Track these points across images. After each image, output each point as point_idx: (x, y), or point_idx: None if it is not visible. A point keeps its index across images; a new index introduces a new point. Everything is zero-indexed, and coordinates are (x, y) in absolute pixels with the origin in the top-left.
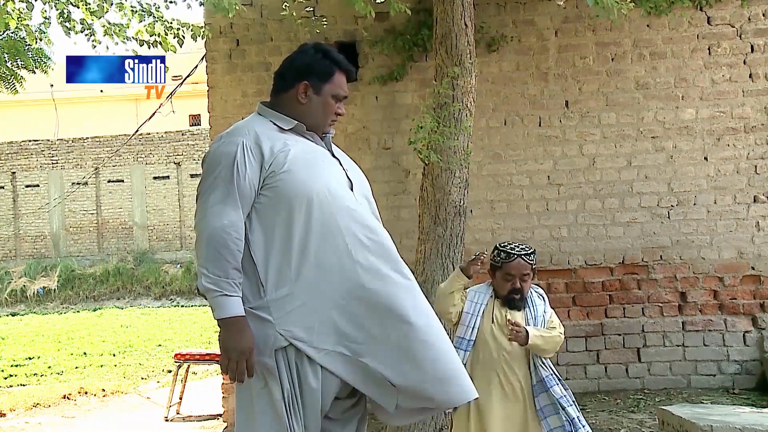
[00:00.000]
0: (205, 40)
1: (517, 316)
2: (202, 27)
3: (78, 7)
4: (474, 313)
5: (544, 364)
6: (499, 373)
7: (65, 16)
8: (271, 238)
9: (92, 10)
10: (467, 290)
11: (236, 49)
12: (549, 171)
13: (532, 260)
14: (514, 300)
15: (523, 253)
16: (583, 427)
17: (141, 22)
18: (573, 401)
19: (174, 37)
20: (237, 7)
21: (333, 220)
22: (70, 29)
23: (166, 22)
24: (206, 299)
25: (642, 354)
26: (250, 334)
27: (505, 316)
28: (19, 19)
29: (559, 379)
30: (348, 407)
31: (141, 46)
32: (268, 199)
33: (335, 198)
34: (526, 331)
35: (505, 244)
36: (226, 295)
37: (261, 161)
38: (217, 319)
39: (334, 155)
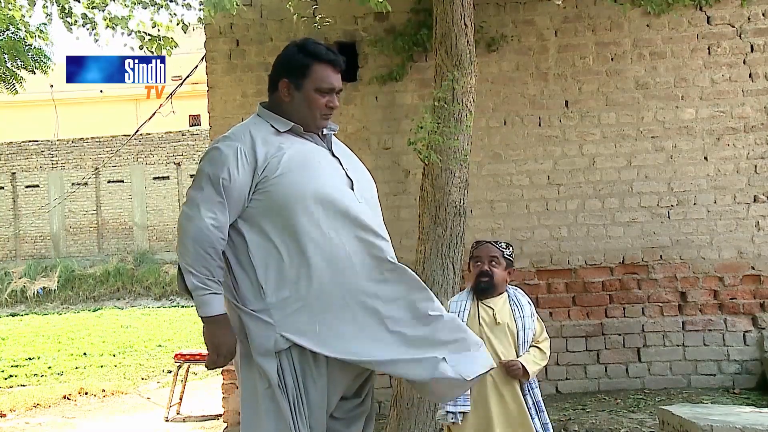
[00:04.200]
0: (205, 39)
1: (505, 315)
2: (209, 11)
3: (79, 1)
4: None
5: None
6: (492, 373)
7: (66, 11)
8: (269, 242)
9: (94, 4)
10: (449, 303)
11: (236, 49)
12: (549, 171)
13: (503, 248)
14: (481, 284)
15: (492, 240)
16: None
17: (146, 9)
18: (543, 409)
19: (178, 24)
20: (237, 5)
21: (330, 221)
22: (71, 24)
23: (170, 9)
24: (191, 297)
25: (642, 354)
26: (232, 329)
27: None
28: (20, 17)
29: (537, 385)
30: (354, 406)
31: (142, 42)
32: (263, 203)
33: (332, 199)
34: (523, 366)
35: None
36: (214, 293)
37: (254, 166)
38: (204, 317)
39: (334, 154)
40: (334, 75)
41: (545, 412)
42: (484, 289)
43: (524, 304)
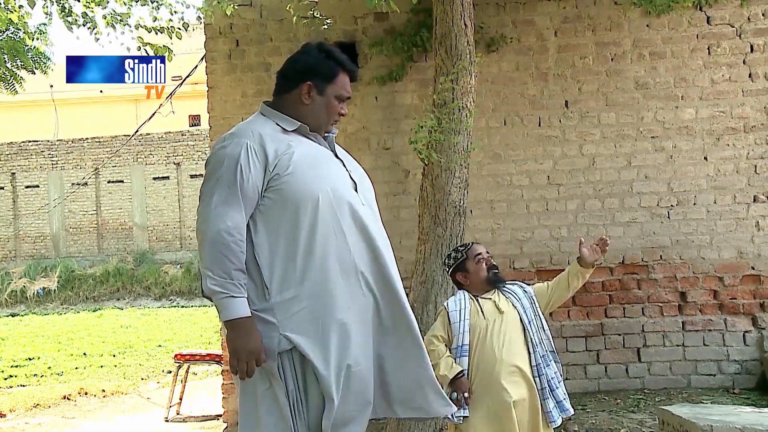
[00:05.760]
0: (205, 40)
1: (504, 304)
2: (207, 9)
3: (79, 0)
4: (461, 319)
5: (542, 342)
6: (504, 364)
7: (66, 10)
8: (275, 241)
9: (94, 2)
10: (446, 304)
11: (236, 49)
12: (549, 171)
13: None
14: (497, 275)
15: (472, 241)
16: (566, 411)
17: (144, 6)
18: (556, 386)
19: (180, 20)
20: (235, 7)
21: (338, 222)
22: (71, 23)
23: (171, 6)
24: (212, 301)
25: (642, 354)
26: (257, 334)
27: (497, 303)
28: (20, 18)
29: (553, 358)
30: None
31: (141, 44)
32: (272, 202)
33: (340, 199)
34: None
35: (450, 250)
36: (232, 296)
37: (265, 164)
38: (224, 321)
39: (337, 156)
40: (349, 84)
41: (560, 389)
42: (500, 279)
43: (514, 289)
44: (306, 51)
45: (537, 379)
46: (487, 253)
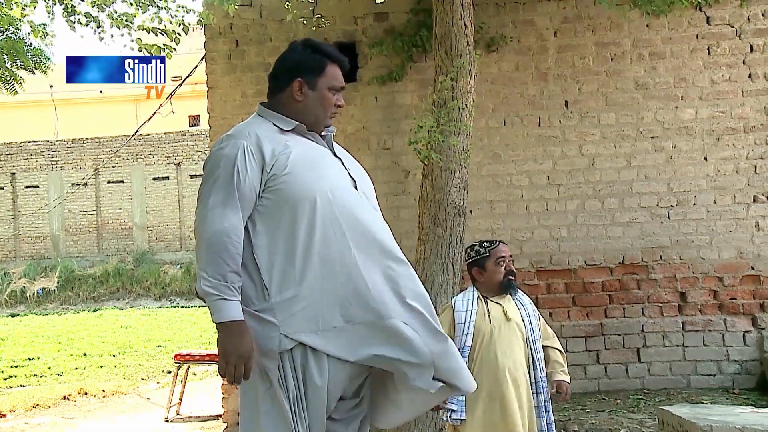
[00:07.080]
0: (204, 40)
1: (514, 313)
2: (208, 13)
3: (83, 0)
4: (466, 320)
5: (540, 365)
6: (506, 372)
7: (70, 9)
8: (274, 241)
9: (97, 2)
10: (454, 302)
11: (236, 49)
12: (549, 171)
13: None
14: (512, 282)
15: (500, 240)
16: None
17: (145, 12)
18: (549, 410)
19: (179, 25)
20: (235, 7)
21: (337, 221)
22: (74, 23)
23: (170, 11)
24: (205, 302)
25: (642, 354)
26: (249, 337)
27: (505, 312)
28: (22, 16)
29: (546, 384)
30: (351, 407)
31: (140, 45)
32: (270, 202)
33: (338, 198)
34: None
35: (476, 242)
36: (225, 299)
37: (262, 164)
38: (216, 323)
39: (335, 154)
40: (341, 74)
41: (551, 413)
42: (513, 287)
43: (527, 303)
44: (292, 49)
45: (534, 396)
46: (510, 257)
